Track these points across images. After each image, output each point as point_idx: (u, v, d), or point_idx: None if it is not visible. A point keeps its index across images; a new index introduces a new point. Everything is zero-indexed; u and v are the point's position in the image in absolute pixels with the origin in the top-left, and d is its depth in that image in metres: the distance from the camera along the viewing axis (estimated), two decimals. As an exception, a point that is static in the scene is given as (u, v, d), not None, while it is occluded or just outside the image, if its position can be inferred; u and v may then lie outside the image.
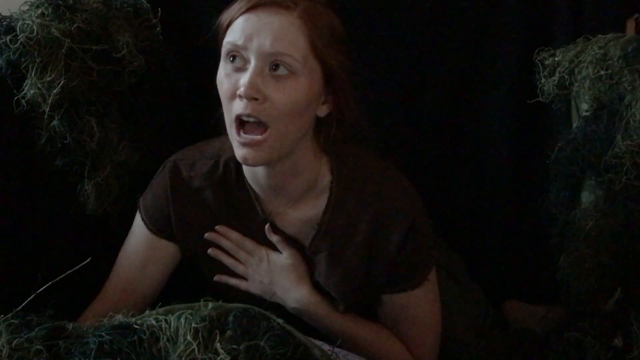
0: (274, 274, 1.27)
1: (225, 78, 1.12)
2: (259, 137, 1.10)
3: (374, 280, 1.26)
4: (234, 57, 1.11)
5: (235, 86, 1.10)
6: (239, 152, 1.12)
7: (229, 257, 1.29)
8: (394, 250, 1.22)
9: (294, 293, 1.26)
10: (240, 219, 1.28)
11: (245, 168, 1.24)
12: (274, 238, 1.25)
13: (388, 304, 1.28)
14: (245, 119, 1.10)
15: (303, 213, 1.25)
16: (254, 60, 1.09)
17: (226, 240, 1.28)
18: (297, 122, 1.12)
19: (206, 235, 1.28)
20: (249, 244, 1.28)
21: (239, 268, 1.29)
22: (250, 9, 1.11)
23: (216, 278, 1.31)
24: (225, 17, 1.14)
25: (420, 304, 1.27)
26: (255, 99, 1.08)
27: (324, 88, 1.15)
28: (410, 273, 1.25)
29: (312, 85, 1.12)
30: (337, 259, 1.25)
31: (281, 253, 1.26)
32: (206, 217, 1.28)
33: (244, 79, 1.09)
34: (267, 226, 1.25)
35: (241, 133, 1.11)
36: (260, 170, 1.20)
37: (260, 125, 1.10)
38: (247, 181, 1.25)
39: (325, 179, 1.24)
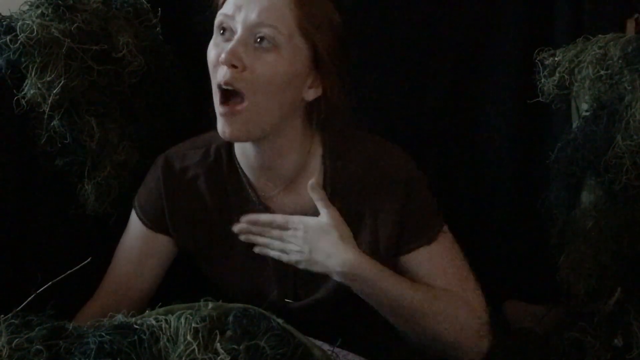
0: (312, 239, 1.18)
1: (213, 47, 1.16)
2: (236, 107, 1.12)
3: (385, 244, 1.24)
4: (224, 29, 1.15)
5: (220, 54, 1.13)
6: (219, 126, 1.15)
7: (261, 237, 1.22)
8: (397, 209, 1.23)
9: (338, 255, 1.17)
10: (234, 206, 1.28)
11: (237, 150, 1.25)
12: (316, 195, 1.19)
13: (413, 265, 1.24)
14: (224, 87, 1.12)
15: (297, 197, 1.25)
16: (240, 30, 1.13)
17: (256, 227, 1.21)
18: (276, 98, 1.14)
19: (235, 229, 1.22)
20: (279, 218, 1.21)
21: (275, 244, 1.21)
22: None
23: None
24: None
25: (443, 255, 1.25)
26: (235, 67, 1.11)
27: (311, 71, 1.17)
28: (421, 228, 1.24)
29: (295, 63, 1.14)
30: None
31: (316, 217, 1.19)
32: (200, 208, 1.28)
33: (227, 47, 1.12)
34: (311, 182, 1.19)
35: (223, 104, 1.13)
36: (250, 150, 1.22)
37: (238, 97, 1.12)
38: (239, 165, 1.26)
39: (317, 160, 1.24)
